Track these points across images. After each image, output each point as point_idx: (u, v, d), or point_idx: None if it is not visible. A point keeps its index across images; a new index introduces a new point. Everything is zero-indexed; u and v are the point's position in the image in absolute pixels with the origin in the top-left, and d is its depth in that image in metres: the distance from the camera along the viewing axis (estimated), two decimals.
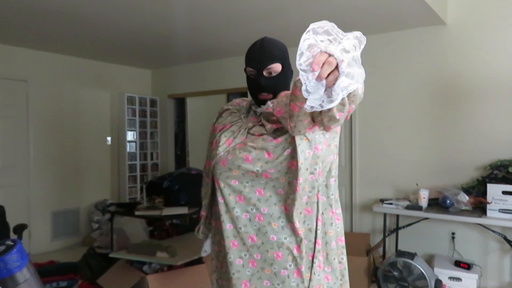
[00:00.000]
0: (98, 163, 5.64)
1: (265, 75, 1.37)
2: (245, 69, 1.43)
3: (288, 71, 1.42)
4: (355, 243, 3.89)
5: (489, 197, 3.19)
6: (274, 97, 1.38)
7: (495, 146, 3.59)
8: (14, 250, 0.95)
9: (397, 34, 4.12)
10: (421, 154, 3.99)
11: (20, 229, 3.39)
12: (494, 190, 3.18)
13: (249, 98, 1.52)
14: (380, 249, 3.88)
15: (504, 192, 3.13)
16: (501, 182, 3.26)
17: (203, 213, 1.53)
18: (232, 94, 5.48)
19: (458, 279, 3.29)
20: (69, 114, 5.27)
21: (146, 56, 5.36)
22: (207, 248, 1.58)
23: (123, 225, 4.65)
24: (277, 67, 1.37)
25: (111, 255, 3.21)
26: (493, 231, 3.36)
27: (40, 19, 3.70)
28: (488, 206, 3.18)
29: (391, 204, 3.67)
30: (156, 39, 4.47)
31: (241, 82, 5.31)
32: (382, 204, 3.72)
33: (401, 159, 4.10)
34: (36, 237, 4.86)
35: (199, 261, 3.20)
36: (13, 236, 3.35)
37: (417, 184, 3.88)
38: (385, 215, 3.74)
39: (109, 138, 5.79)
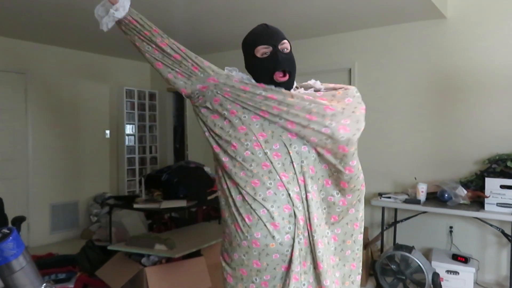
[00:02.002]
0: (97, 156, 5.64)
1: (281, 50, 1.36)
2: (252, 53, 1.38)
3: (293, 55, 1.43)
4: None
5: (487, 191, 3.20)
6: (290, 77, 1.37)
7: (494, 140, 3.59)
8: (10, 238, 0.95)
9: (398, 27, 4.11)
10: (419, 148, 3.99)
11: (18, 221, 3.40)
12: (492, 184, 3.18)
13: (243, 78, 1.44)
14: (378, 243, 3.90)
15: (502, 186, 3.14)
16: (499, 176, 3.27)
17: None
18: None
19: (456, 272, 3.31)
20: (67, 107, 5.26)
21: None
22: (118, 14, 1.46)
23: (122, 218, 4.66)
24: (288, 45, 1.39)
25: (109, 248, 3.22)
26: (491, 225, 3.37)
27: (39, 12, 3.68)
28: (486, 200, 3.19)
29: (389, 198, 3.68)
30: None
31: None
32: (380, 198, 3.73)
33: (400, 153, 4.10)
34: (35, 229, 4.87)
35: (198, 253, 3.21)
36: None
37: (415, 178, 3.88)
38: (383, 208, 3.75)
39: (107, 132, 5.78)
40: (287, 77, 1.36)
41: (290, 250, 1.30)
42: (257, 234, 1.29)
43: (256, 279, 1.33)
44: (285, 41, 1.37)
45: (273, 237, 1.28)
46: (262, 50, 1.36)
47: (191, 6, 3.57)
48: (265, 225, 1.29)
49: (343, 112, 1.32)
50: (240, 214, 1.33)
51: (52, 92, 5.09)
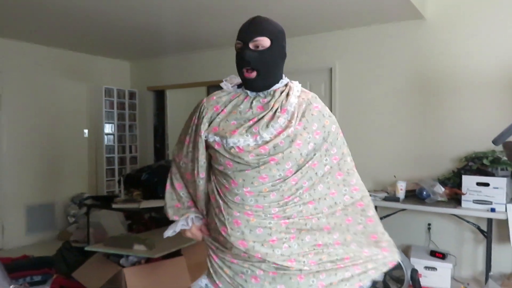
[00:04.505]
0: (75, 156, 5.52)
1: (251, 48, 1.32)
2: (235, 46, 1.39)
3: (277, 50, 1.36)
4: None
5: (464, 189, 3.25)
6: (259, 75, 1.33)
7: (471, 139, 3.67)
8: None
9: (378, 27, 4.15)
10: (399, 147, 4.04)
11: None
12: (468, 182, 3.24)
13: (229, 88, 1.45)
14: None
15: (479, 184, 3.20)
16: (476, 173, 3.33)
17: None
18: (212, 87, 5.43)
19: (434, 268, 3.36)
20: (44, 106, 5.13)
21: (125, 47, 5.25)
22: (177, 229, 1.50)
23: (101, 218, 4.57)
24: (264, 41, 1.33)
25: (86, 249, 3.15)
26: (468, 222, 3.43)
27: (14, 7, 3.57)
28: (463, 197, 3.25)
29: (369, 195, 3.70)
30: (136, 30, 4.38)
31: (222, 75, 5.24)
32: None
33: (380, 152, 4.15)
34: (9, 231, 4.73)
35: (178, 253, 3.17)
36: None
37: (395, 176, 3.93)
38: None
39: (86, 131, 5.67)
40: (253, 74, 1.33)
41: None
42: None
43: None
44: (260, 38, 1.32)
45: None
46: (237, 45, 1.36)
47: (173, 4, 3.52)
48: None
49: None
50: None
51: (28, 91, 4.96)
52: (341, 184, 1.41)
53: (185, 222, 1.48)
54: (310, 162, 1.34)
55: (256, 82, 1.35)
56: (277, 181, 1.30)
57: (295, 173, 1.32)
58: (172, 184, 1.55)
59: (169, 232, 1.50)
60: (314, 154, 1.34)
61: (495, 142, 1.41)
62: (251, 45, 1.32)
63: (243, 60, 1.33)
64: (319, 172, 1.36)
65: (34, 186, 5.01)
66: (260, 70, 1.33)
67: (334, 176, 1.40)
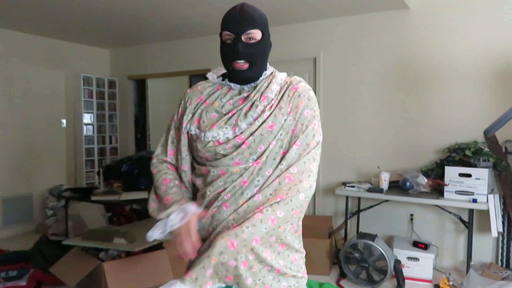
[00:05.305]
0: (53, 147, 5.36)
1: (244, 41, 1.28)
2: (220, 35, 1.33)
3: (267, 41, 1.34)
4: (318, 226, 3.92)
5: (446, 179, 3.27)
6: (251, 67, 1.30)
7: (453, 130, 3.69)
8: None
9: (362, 17, 4.11)
10: (383, 138, 4.04)
11: None
12: (451, 173, 3.26)
13: (214, 79, 1.42)
14: (342, 231, 3.93)
15: (461, 175, 3.22)
16: (458, 164, 3.35)
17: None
18: (194, 76, 5.33)
19: (416, 259, 3.39)
20: (20, 95, 4.94)
21: (104, 34, 5.08)
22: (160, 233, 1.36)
23: (80, 211, 4.46)
24: (257, 34, 1.29)
25: (64, 242, 3.04)
26: (450, 212, 3.46)
27: None
28: (446, 188, 3.27)
29: (353, 187, 3.70)
30: (116, 17, 4.24)
31: (204, 63, 5.16)
32: (344, 187, 3.75)
33: (364, 143, 4.14)
34: None
35: (159, 246, 3.10)
36: None
37: (378, 167, 3.93)
38: (347, 198, 3.77)
39: (64, 121, 5.50)
40: (246, 66, 1.30)
41: None
42: None
43: None
44: (253, 30, 1.28)
45: None
46: (225, 36, 1.31)
47: None
48: None
49: None
50: None
51: (3, 79, 4.76)
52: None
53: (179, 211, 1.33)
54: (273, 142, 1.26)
55: (247, 73, 1.32)
56: (250, 164, 1.25)
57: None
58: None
59: (156, 233, 1.33)
60: (281, 134, 1.26)
61: (486, 132, 1.39)
62: (243, 38, 1.28)
63: (236, 53, 1.28)
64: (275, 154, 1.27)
65: (10, 177, 4.85)
66: (252, 62, 1.30)
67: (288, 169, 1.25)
